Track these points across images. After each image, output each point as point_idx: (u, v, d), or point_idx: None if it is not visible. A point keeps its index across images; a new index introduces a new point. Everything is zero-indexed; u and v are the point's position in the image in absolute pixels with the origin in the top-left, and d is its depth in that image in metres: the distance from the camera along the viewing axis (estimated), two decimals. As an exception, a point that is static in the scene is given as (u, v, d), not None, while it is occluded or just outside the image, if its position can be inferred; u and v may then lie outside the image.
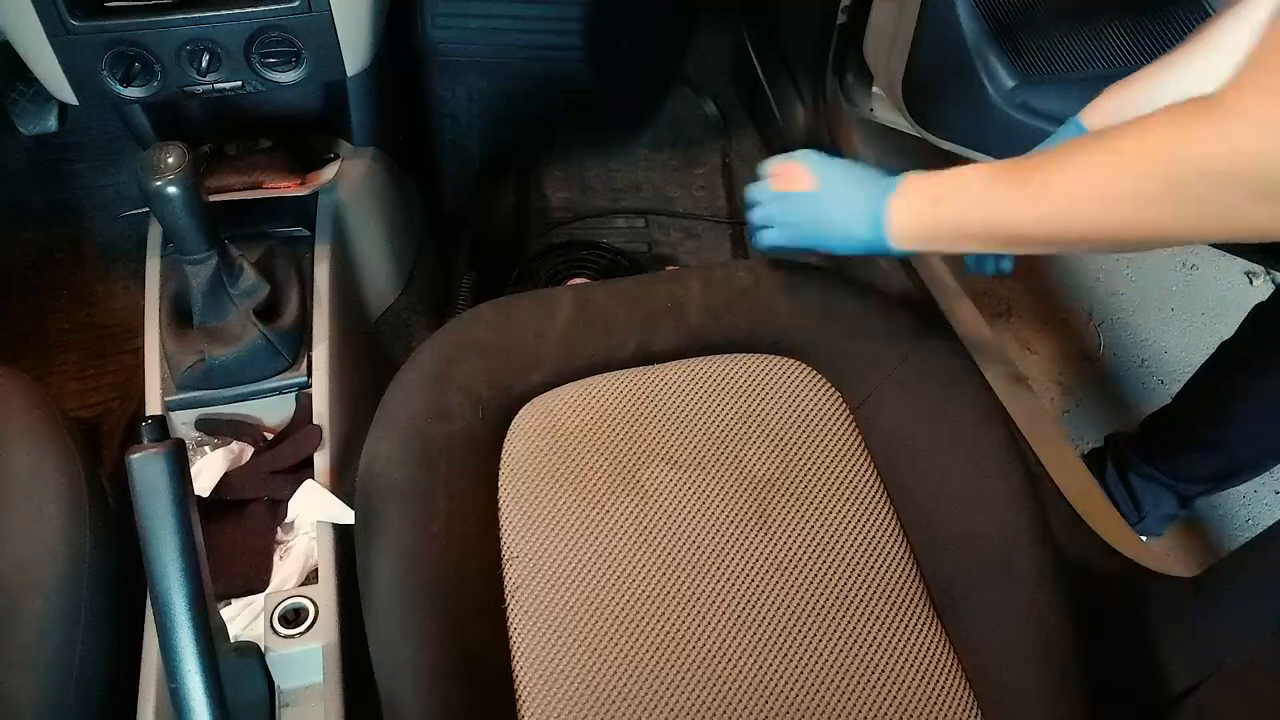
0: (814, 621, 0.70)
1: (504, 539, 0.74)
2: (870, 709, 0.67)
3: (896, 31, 1.26)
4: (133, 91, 0.89)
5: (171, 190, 0.78)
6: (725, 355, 0.85)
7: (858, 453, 0.80)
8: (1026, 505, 0.76)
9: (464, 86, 1.42)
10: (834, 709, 0.67)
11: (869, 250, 0.72)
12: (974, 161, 0.71)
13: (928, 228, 0.68)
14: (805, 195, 0.77)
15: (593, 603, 0.69)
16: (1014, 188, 0.61)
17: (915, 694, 0.68)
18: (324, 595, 0.76)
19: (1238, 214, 0.49)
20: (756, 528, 0.74)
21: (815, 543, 0.74)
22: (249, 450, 0.89)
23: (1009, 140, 1.10)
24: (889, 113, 1.35)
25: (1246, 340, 1.14)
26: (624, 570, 0.71)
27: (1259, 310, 1.13)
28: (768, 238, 0.80)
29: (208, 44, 0.88)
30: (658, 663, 0.67)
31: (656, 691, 0.66)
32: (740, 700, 0.66)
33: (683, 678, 0.67)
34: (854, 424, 0.82)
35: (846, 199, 0.73)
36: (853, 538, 0.74)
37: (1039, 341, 1.56)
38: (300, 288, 0.97)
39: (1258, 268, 1.65)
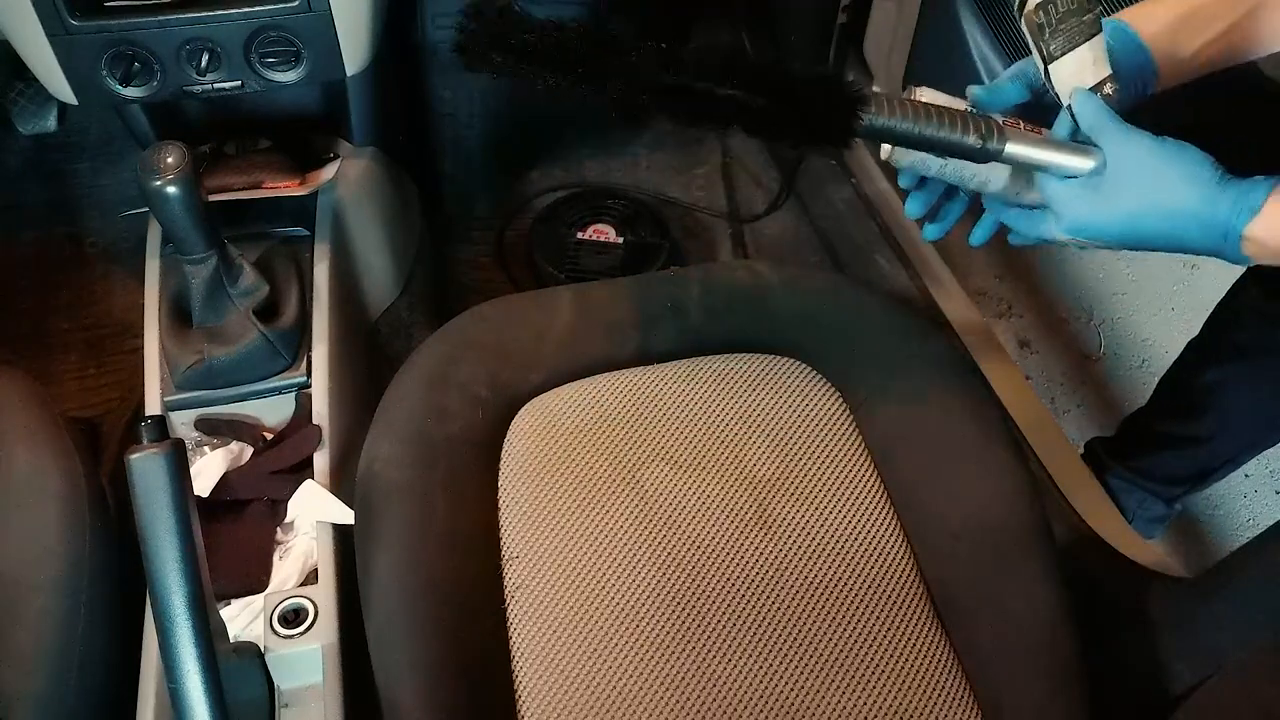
0: (814, 621, 0.70)
1: (504, 539, 0.74)
2: (870, 709, 0.67)
3: (896, 31, 1.26)
4: (132, 91, 0.89)
5: (171, 190, 0.78)
6: (725, 355, 0.85)
7: (858, 453, 0.80)
8: (1026, 505, 0.76)
9: (464, 86, 1.42)
10: (834, 709, 0.66)
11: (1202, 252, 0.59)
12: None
13: None
14: (1100, 181, 0.60)
15: (593, 603, 0.69)
16: None
17: (915, 694, 0.68)
18: (324, 595, 0.76)
19: None
20: (757, 527, 0.74)
21: (815, 542, 0.74)
22: (248, 450, 0.89)
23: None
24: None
25: (1210, 338, 1.14)
26: (624, 570, 0.71)
27: (1220, 307, 1.13)
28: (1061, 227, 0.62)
29: (207, 44, 0.88)
30: (658, 663, 0.67)
31: (656, 691, 0.66)
32: (740, 700, 0.66)
33: (683, 678, 0.67)
34: (854, 424, 0.81)
35: (1175, 200, 0.58)
36: (853, 538, 0.74)
37: (1039, 341, 1.55)
38: (300, 288, 0.97)
39: (1258, 268, 1.64)
